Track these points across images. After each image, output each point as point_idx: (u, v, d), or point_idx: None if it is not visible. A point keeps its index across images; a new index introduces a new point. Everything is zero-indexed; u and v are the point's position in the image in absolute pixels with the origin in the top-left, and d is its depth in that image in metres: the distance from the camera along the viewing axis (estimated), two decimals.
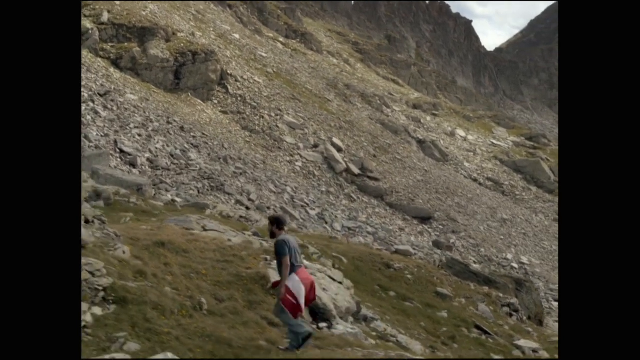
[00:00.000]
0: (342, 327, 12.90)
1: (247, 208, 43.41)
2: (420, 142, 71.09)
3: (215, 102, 59.77)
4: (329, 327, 12.73)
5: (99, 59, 53.59)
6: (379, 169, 61.59)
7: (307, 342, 10.16)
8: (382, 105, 75.51)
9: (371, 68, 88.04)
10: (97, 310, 9.18)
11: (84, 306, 8.73)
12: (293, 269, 10.44)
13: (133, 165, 42.41)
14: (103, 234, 12.27)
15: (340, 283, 14.63)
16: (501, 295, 26.65)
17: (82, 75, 50.16)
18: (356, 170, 59.74)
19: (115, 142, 43.97)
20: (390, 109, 76.33)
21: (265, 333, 10.66)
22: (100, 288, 9.56)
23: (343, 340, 11.75)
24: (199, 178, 44.00)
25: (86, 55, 52.42)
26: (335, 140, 61.70)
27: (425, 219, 58.56)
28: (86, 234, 9.52)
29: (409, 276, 25.43)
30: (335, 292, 13.85)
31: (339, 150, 61.01)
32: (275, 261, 10.66)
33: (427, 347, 19.15)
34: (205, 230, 19.65)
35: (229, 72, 62.21)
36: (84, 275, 9.24)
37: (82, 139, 41.17)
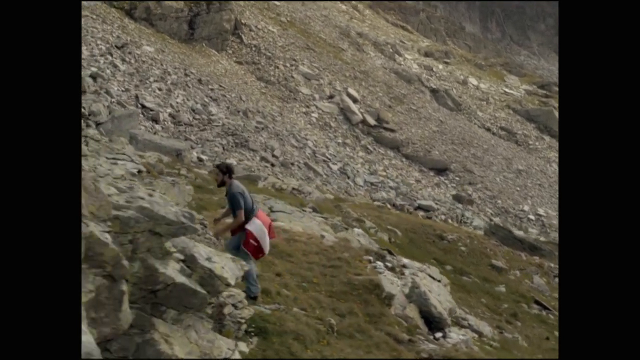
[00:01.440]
0: (455, 335, 12.55)
1: (272, 165, 43.02)
2: (434, 92, 70.24)
3: (230, 52, 58.70)
4: (444, 336, 12.38)
5: (113, 10, 52.33)
6: (395, 120, 60.90)
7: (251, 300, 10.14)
8: (394, 53, 74.36)
9: (380, 14, 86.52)
10: (243, 346, 8.81)
11: (230, 343, 8.30)
12: (252, 212, 10.50)
13: (155, 121, 41.83)
14: (206, 239, 11.81)
15: (439, 281, 14.24)
16: (552, 265, 26.47)
17: (98, 26, 49.12)
18: (372, 121, 59.06)
19: (137, 97, 43.23)
20: (403, 57, 75.21)
21: (401, 354, 10.30)
22: (243, 321, 9.16)
23: (466, 354, 11.41)
24: (222, 134, 43.42)
25: (100, 6, 51.17)
26: (351, 90, 60.85)
27: (441, 170, 58.20)
28: (219, 261, 8.90)
29: (462, 248, 25.19)
30: (437, 293, 13.46)
31: (355, 101, 60.20)
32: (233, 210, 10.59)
33: (494, 328, 18.94)
34: (272, 211, 19.27)
35: (242, 21, 60.97)
36: (228, 309, 8.82)
37: (104, 94, 40.43)
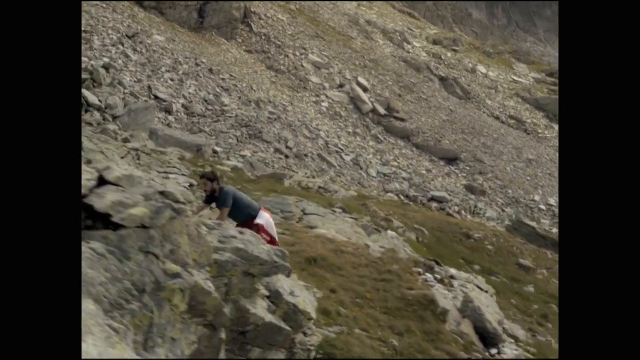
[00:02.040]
0: (508, 350, 12.31)
1: (286, 156, 42.74)
2: (442, 80, 69.82)
3: (239, 40, 58.26)
4: (499, 352, 12.14)
5: None
6: (405, 109, 60.52)
7: None
8: (403, 41, 73.89)
9: (387, 1, 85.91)
10: None
11: None
12: (256, 211, 10.81)
13: (168, 112, 41.57)
14: None
15: (486, 292, 14.00)
16: None
17: (108, 15, 48.76)
18: (382, 111, 58.69)
19: (149, 87, 42.93)
20: (411, 45, 74.72)
21: None
22: (312, 348, 8.91)
23: None
24: (236, 126, 43.11)
25: None
26: (361, 79, 60.46)
27: (451, 159, 57.89)
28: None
29: (489, 247, 24.97)
30: (486, 305, 13.21)
31: (365, 89, 59.81)
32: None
33: (526, 330, 18.75)
34: (305, 213, 19.07)
35: (252, 9, 60.46)
36: (299, 337, 8.58)
37: (117, 85, 40.13)
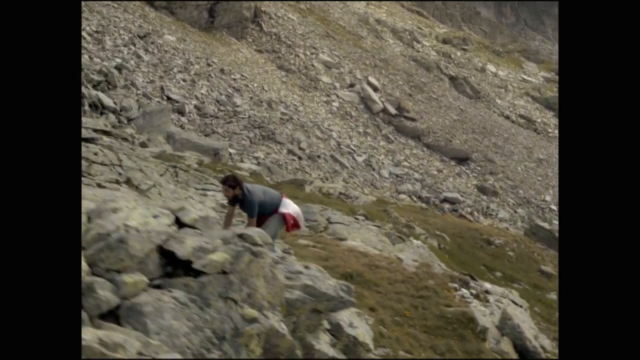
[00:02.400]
0: None
1: (299, 158, 42.60)
2: (452, 79, 69.58)
3: (250, 40, 58.09)
4: None
5: None
6: (415, 109, 60.30)
7: None
8: (412, 40, 73.66)
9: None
10: None
11: None
12: (279, 200, 10.88)
13: (181, 113, 41.45)
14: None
15: (521, 306, 13.84)
16: None
17: (120, 15, 48.66)
18: (393, 110, 58.47)
19: (162, 88, 42.82)
20: (421, 44, 74.47)
21: None
22: None
23: None
24: (249, 127, 42.98)
25: None
26: (371, 79, 60.26)
27: (462, 160, 57.66)
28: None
29: (510, 253, 24.80)
30: (522, 320, 13.05)
31: (375, 89, 59.61)
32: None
33: (552, 340, 18.58)
34: (330, 222, 18.97)
35: (262, 9, 60.28)
36: None
37: (129, 85, 40.03)
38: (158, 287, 4.78)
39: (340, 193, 24.38)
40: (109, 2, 48.28)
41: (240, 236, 5.25)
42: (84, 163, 10.04)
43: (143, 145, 24.97)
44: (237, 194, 10.27)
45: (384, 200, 28.55)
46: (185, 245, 4.92)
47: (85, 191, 5.41)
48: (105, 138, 13.27)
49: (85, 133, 11.68)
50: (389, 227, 21.29)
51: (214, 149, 27.74)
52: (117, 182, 10.23)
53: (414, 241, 18.99)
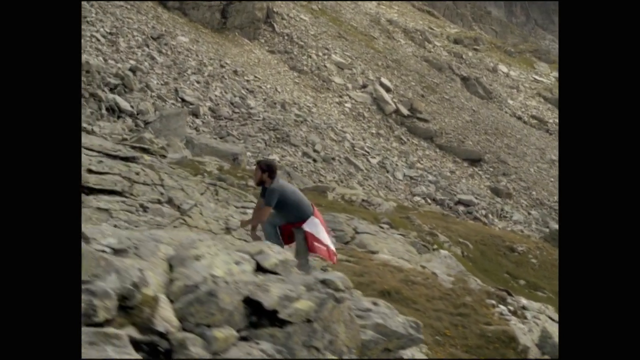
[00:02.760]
0: None
1: (314, 160, 42.42)
2: (464, 80, 69.32)
3: (262, 41, 57.93)
4: None
5: None
6: (428, 110, 60.09)
7: None
8: (424, 40, 73.41)
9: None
10: None
11: None
12: (306, 214, 10.21)
13: (196, 115, 41.30)
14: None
15: (557, 322, 13.63)
16: None
17: (133, 17, 48.55)
18: (405, 111, 58.28)
19: (176, 90, 42.67)
20: (432, 45, 74.23)
21: None
22: None
23: None
24: (264, 129, 42.79)
25: None
26: (384, 80, 60.06)
27: (475, 161, 57.41)
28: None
29: (533, 260, 24.62)
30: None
31: (388, 90, 59.40)
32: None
33: None
34: (357, 232, 18.83)
35: (274, 9, 60.12)
36: None
37: (145, 88, 39.93)
38: (244, 339, 4.63)
39: (363, 200, 24.23)
40: (122, 3, 48.15)
41: (323, 282, 5.09)
42: (126, 183, 9.88)
43: (162, 150, 24.86)
44: (264, 179, 9.95)
45: (404, 207, 28.38)
46: (271, 294, 4.77)
47: (158, 232, 5.25)
48: (146, 157, 13.11)
49: (125, 152, 11.54)
50: (414, 236, 21.14)
51: (232, 154, 27.59)
52: (159, 202, 10.06)
53: (441, 251, 18.83)
